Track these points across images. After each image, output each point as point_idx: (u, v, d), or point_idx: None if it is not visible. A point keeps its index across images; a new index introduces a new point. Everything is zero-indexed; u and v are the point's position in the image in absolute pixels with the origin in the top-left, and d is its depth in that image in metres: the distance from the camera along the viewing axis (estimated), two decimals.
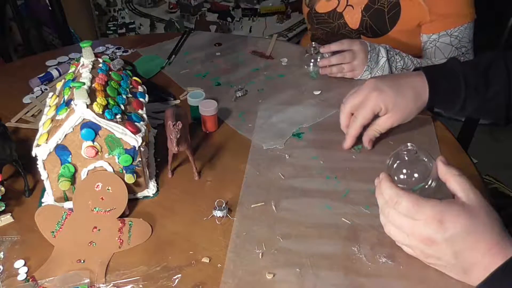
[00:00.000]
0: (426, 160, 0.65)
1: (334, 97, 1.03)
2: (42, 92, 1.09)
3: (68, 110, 0.70)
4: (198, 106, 0.92)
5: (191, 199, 0.78)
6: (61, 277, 0.64)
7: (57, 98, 0.79)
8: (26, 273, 0.65)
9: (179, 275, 0.64)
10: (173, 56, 1.24)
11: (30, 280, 0.64)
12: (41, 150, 0.69)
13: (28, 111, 1.02)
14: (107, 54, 1.26)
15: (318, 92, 1.05)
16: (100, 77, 0.77)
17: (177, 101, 1.04)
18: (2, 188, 0.75)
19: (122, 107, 0.76)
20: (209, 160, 0.86)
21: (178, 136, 0.75)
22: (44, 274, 0.65)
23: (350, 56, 1.05)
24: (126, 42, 1.35)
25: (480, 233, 0.57)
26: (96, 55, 0.83)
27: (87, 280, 0.64)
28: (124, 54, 1.27)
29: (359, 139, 0.87)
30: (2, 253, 0.68)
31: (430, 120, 0.94)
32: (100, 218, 0.70)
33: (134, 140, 0.71)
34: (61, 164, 0.71)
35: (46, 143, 0.69)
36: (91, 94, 0.71)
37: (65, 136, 0.69)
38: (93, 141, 0.70)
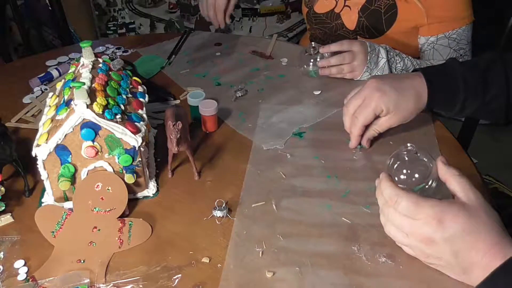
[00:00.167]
0: (426, 160, 0.66)
1: (334, 97, 1.03)
2: (42, 92, 1.09)
3: (68, 110, 0.70)
4: (198, 106, 0.92)
5: (191, 199, 0.78)
6: (61, 277, 0.64)
7: (57, 98, 0.79)
8: (26, 273, 0.65)
9: (179, 275, 0.64)
10: (173, 56, 1.24)
11: (30, 280, 0.64)
12: (41, 150, 0.69)
13: (28, 111, 1.02)
14: (107, 54, 1.27)
15: (318, 92, 1.05)
16: (100, 77, 0.77)
17: (177, 101, 1.04)
18: (2, 188, 0.75)
19: (122, 107, 0.76)
20: (209, 160, 0.86)
21: (178, 136, 0.75)
22: (44, 274, 0.65)
23: (349, 57, 1.04)
24: (126, 42, 1.35)
25: (479, 233, 0.57)
26: (96, 55, 0.83)
27: (87, 280, 0.64)
28: (124, 54, 1.27)
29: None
30: (2, 253, 0.68)
31: (430, 120, 0.94)
32: (100, 218, 0.70)
33: (134, 140, 0.71)
34: (61, 164, 0.71)
35: (46, 143, 0.69)
36: (91, 94, 0.71)
37: (65, 136, 0.69)
38: (93, 141, 0.70)
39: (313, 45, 1.09)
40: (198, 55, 1.25)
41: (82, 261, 0.67)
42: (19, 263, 0.67)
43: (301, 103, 1.02)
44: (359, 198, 0.76)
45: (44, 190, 0.77)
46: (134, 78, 0.89)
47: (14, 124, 0.97)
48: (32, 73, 1.14)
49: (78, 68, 0.82)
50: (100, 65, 0.82)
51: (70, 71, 0.84)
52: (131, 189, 0.76)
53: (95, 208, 0.70)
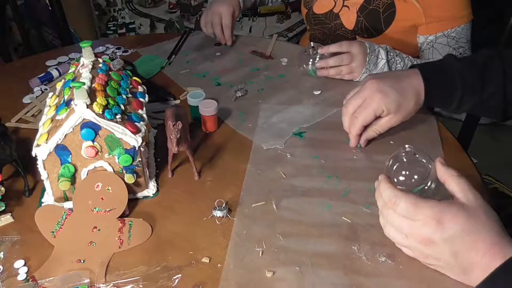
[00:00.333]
0: (424, 161, 0.66)
1: (334, 97, 1.03)
2: (42, 92, 1.09)
3: (68, 110, 0.70)
4: (198, 106, 0.92)
5: (191, 199, 0.78)
6: (61, 277, 0.64)
7: (57, 98, 0.79)
8: (26, 273, 0.65)
9: (179, 275, 0.64)
10: (173, 56, 1.24)
11: (30, 280, 0.64)
12: (41, 150, 0.69)
13: (28, 111, 1.02)
14: (107, 54, 1.27)
15: (318, 92, 1.05)
16: (100, 77, 0.77)
17: (177, 101, 1.04)
18: (2, 188, 0.75)
19: (122, 107, 0.76)
20: (209, 160, 0.86)
21: (178, 136, 0.75)
22: (44, 274, 0.65)
23: (348, 58, 1.04)
24: (126, 42, 1.35)
25: (479, 233, 0.57)
26: (96, 55, 0.83)
27: (87, 280, 0.64)
28: (124, 54, 1.27)
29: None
30: (2, 253, 0.68)
31: (433, 121, 0.94)
32: (100, 218, 0.70)
33: (134, 140, 0.71)
34: (61, 164, 0.71)
35: (46, 143, 0.69)
36: (91, 94, 0.71)
37: (65, 136, 0.69)
38: (93, 141, 0.70)
39: (312, 45, 1.09)
40: (198, 55, 1.25)
41: (82, 261, 0.67)
42: (19, 263, 0.67)
43: (301, 103, 1.02)
44: (359, 198, 0.76)
45: (44, 190, 0.77)
46: (134, 78, 0.89)
47: (14, 124, 0.97)
48: (32, 73, 1.14)
49: (78, 68, 0.82)
50: (100, 65, 0.82)
51: (70, 71, 0.84)
52: (131, 189, 0.76)
53: (95, 208, 0.70)
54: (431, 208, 0.58)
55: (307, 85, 1.08)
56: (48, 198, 0.76)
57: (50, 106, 0.80)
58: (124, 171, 0.74)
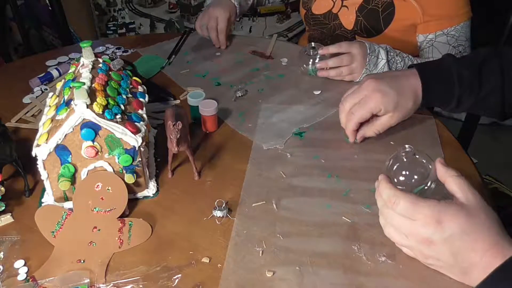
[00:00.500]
0: (424, 161, 0.66)
1: (334, 97, 1.03)
2: (42, 92, 1.09)
3: (68, 110, 0.70)
4: (198, 106, 0.92)
5: (191, 199, 0.78)
6: (61, 277, 0.64)
7: (57, 98, 0.79)
8: (26, 273, 0.65)
9: (179, 275, 0.64)
10: (173, 56, 1.24)
11: (30, 280, 0.64)
12: (41, 150, 0.69)
13: (28, 111, 1.02)
14: (107, 54, 1.27)
15: (318, 92, 1.05)
16: (100, 77, 0.77)
17: (177, 101, 1.04)
18: (2, 188, 0.75)
19: (122, 107, 0.76)
20: (209, 160, 0.86)
21: (178, 136, 0.75)
22: (44, 274, 0.65)
23: (348, 59, 1.04)
24: (126, 42, 1.35)
25: (478, 233, 0.57)
26: (96, 55, 0.83)
27: (87, 280, 0.64)
28: (124, 54, 1.27)
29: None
30: (2, 253, 0.68)
31: (432, 121, 0.94)
32: (100, 218, 0.70)
33: (134, 140, 0.71)
34: (61, 164, 0.71)
35: (46, 143, 0.69)
36: (91, 94, 0.71)
37: (65, 136, 0.69)
38: (93, 141, 0.70)
39: (312, 45, 1.09)
40: (198, 55, 1.25)
41: (82, 261, 0.67)
42: (19, 263, 0.67)
43: (301, 103, 1.02)
44: (359, 198, 0.76)
45: (44, 190, 0.77)
46: (134, 78, 0.89)
47: (14, 124, 0.97)
48: (32, 73, 1.14)
49: (78, 68, 0.82)
50: (100, 65, 0.82)
51: (70, 71, 0.84)
52: (131, 189, 0.76)
53: (95, 208, 0.70)
54: (430, 208, 0.58)
55: (307, 85, 1.08)
56: (48, 198, 0.76)
57: (50, 106, 0.80)
58: (124, 171, 0.74)
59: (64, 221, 0.69)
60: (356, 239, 0.69)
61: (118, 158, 0.72)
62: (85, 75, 0.76)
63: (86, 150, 0.70)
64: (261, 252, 0.67)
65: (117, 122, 0.71)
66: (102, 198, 0.71)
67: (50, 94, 0.85)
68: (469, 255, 0.57)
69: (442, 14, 1.12)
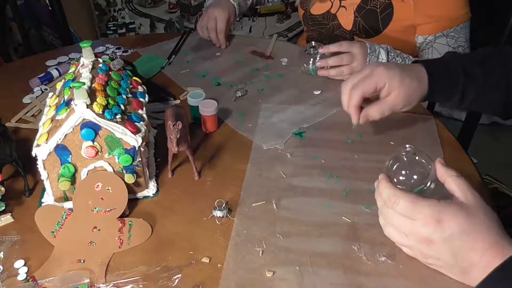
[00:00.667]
0: (424, 161, 0.66)
1: (334, 97, 1.03)
2: (42, 92, 1.09)
3: (68, 110, 0.70)
4: (198, 106, 0.92)
5: (191, 199, 0.78)
6: (61, 277, 0.64)
7: (57, 98, 0.79)
8: (26, 273, 0.65)
9: (179, 275, 0.64)
10: (173, 56, 1.24)
11: (30, 280, 0.64)
12: (41, 150, 0.69)
13: (28, 111, 1.02)
14: (107, 54, 1.27)
15: (318, 92, 1.05)
16: (100, 77, 0.77)
17: (177, 101, 1.04)
18: (2, 188, 0.75)
19: (122, 107, 0.76)
20: (209, 160, 0.86)
21: (178, 136, 0.75)
22: (44, 274, 0.65)
23: (348, 59, 1.04)
24: (126, 42, 1.35)
25: (478, 233, 0.57)
26: (96, 55, 0.83)
27: (87, 280, 0.64)
28: (124, 54, 1.27)
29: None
30: (2, 253, 0.68)
31: (432, 121, 0.94)
32: (100, 218, 0.70)
33: (134, 140, 0.71)
34: (61, 164, 0.71)
35: (46, 143, 0.69)
36: (91, 94, 0.71)
37: (65, 136, 0.69)
38: (93, 141, 0.70)
39: (313, 44, 1.09)
40: (198, 55, 1.25)
41: (82, 261, 0.67)
42: (19, 263, 0.67)
43: (301, 103, 1.02)
44: (359, 198, 0.76)
45: (44, 190, 0.77)
46: (134, 78, 0.89)
47: (14, 124, 0.97)
48: (32, 73, 1.14)
49: (78, 68, 0.82)
50: (100, 65, 0.82)
51: (70, 71, 0.84)
52: (131, 189, 0.76)
53: (95, 208, 0.70)
54: (430, 208, 0.58)
55: (307, 85, 1.08)
56: (48, 198, 0.76)
57: (50, 106, 0.80)
58: (124, 171, 0.74)
59: (64, 221, 0.69)
60: (356, 239, 0.69)
61: (118, 158, 0.72)
62: (85, 75, 0.76)
63: (86, 150, 0.70)
64: (261, 252, 0.67)
65: (117, 122, 0.71)
66: (102, 198, 0.71)
67: (50, 94, 0.85)
68: (468, 255, 0.57)
69: (442, 15, 1.12)
